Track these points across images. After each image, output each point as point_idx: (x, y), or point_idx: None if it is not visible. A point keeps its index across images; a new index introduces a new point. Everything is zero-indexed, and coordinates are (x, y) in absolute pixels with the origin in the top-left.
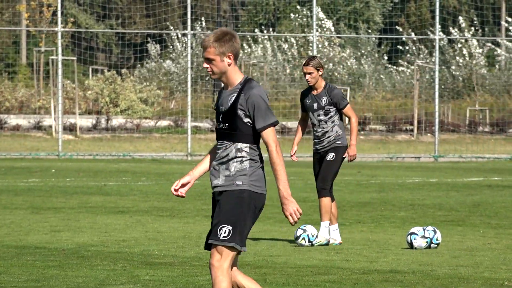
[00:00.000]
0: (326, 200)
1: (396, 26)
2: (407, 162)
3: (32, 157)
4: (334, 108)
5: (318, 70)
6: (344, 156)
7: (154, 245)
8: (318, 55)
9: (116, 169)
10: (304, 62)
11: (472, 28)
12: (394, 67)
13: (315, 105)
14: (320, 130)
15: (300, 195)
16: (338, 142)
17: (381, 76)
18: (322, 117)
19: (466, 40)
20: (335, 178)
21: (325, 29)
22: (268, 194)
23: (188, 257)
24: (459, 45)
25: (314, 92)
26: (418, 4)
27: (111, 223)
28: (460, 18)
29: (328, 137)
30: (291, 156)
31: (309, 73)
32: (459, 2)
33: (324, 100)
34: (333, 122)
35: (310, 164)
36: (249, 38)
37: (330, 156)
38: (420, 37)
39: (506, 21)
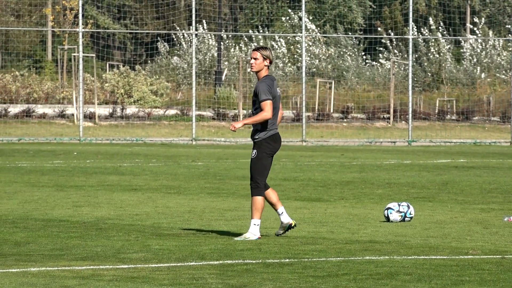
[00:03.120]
0: (256, 199)
1: (378, 28)
2: (384, 146)
3: (57, 142)
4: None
5: (264, 59)
6: (267, 152)
7: (163, 219)
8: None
9: (130, 152)
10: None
11: (441, 28)
12: (374, 62)
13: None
14: None
15: (290, 174)
16: (256, 136)
17: (362, 71)
18: (252, 109)
19: (436, 39)
20: (266, 174)
21: (310, 31)
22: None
23: (193, 229)
24: (430, 44)
25: None
26: (392, 9)
27: (126, 199)
28: (431, 19)
29: (253, 130)
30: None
31: (255, 58)
32: (428, 6)
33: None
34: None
35: (299, 147)
36: (246, 38)
37: (253, 153)
38: (396, 36)
39: (470, 23)
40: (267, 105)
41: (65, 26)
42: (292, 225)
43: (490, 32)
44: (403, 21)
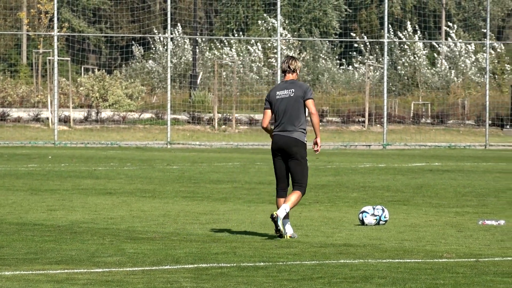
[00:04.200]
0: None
1: (351, 33)
2: (359, 150)
3: (31, 145)
4: None
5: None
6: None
7: (138, 222)
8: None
9: (105, 155)
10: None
11: (418, 32)
12: (350, 67)
13: None
14: None
15: (265, 178)
16: None
17: (336, 74)
18: None
19: (411, 43)
20: (275, 174)
21: (283, 35)
22: (239, 176)
23: (168, 232)
24: (405, 47)
25: None
26: (368, 12)
27: (100, 203)
28: (408, 24)
29: None
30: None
31: None
32: (403, 10)
33: None
34: None
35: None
36: (217, 42)
37: None
38: (371, 40)
39: (448, 26)
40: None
41: (40, 30)
42: (280, 234)
43: (458, 40)
44: (379, 24)
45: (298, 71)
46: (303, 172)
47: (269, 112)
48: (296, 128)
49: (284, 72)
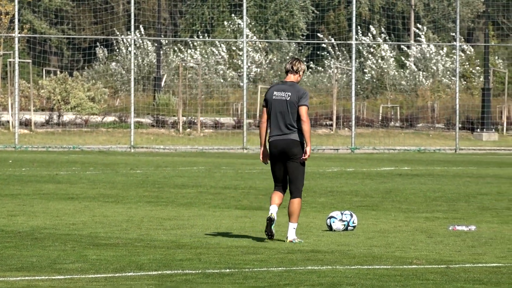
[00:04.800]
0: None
1: (318, 34)
2: (327, 154)
3: None
4: None
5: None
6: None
7: (101, 228)
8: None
9: (67, 160)
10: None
11: (383, 34)
12: (319, 68)
13: None
14: None
15: (231, 183)
16: None
17: (304, 77)
18: None
19: (379, 45)
20: (273, 176)
21: (249, 37)
22: (204, 181)
23: (131, 238)
24: (372, 50)
25: None
26: (337, 13)
27: (62, 208)
28: (373, 26)
29: None
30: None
31: None
32: (371, 11)
33: None
34: None
35: (240, 155)
36: (181, 45)
37: None
38: (339, 42)
39: (417, 28)
40: None
41: (0, 31)
42: (269, 235)
43: (428, 42)
44: (347, 26)
45: (301, 73)
46: (300, 175)
47: (266, 110)
48: (293, 130)
49: (286, 72)
